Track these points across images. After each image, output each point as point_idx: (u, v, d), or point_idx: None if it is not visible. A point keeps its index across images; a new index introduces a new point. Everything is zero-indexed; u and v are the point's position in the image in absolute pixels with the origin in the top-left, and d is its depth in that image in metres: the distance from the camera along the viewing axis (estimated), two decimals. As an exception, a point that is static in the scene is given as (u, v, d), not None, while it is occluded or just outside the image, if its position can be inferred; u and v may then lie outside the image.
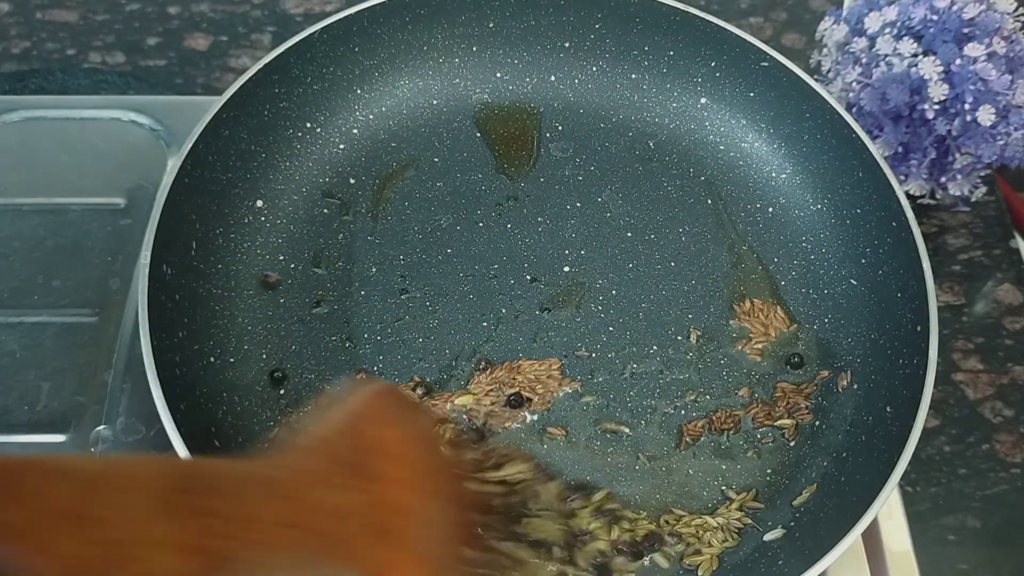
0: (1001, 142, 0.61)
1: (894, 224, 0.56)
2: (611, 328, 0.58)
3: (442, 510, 0.37)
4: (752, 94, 0.64)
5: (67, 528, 0.23)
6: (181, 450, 0.46)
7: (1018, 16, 0.63)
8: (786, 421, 0.55)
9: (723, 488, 0.53)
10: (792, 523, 0.52)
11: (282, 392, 0.55)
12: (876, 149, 0.58)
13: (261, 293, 0.58)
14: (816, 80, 0.61)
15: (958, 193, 0.66)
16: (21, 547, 0.22)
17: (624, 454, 0.54)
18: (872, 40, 0.64)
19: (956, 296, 0.66)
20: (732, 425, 0.55)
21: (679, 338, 0.58)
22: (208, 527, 0.28)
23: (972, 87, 0.60)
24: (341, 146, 0.64)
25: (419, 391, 0.55)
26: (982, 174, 0.66)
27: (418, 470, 0.36)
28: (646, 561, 0.50)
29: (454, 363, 0.56)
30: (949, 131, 0.62)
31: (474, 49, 0.67)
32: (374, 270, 0.60)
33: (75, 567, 0.23)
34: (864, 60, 0.64)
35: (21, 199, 0.65)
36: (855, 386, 0.56)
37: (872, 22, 0.63)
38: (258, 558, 0.29)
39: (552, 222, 0.62)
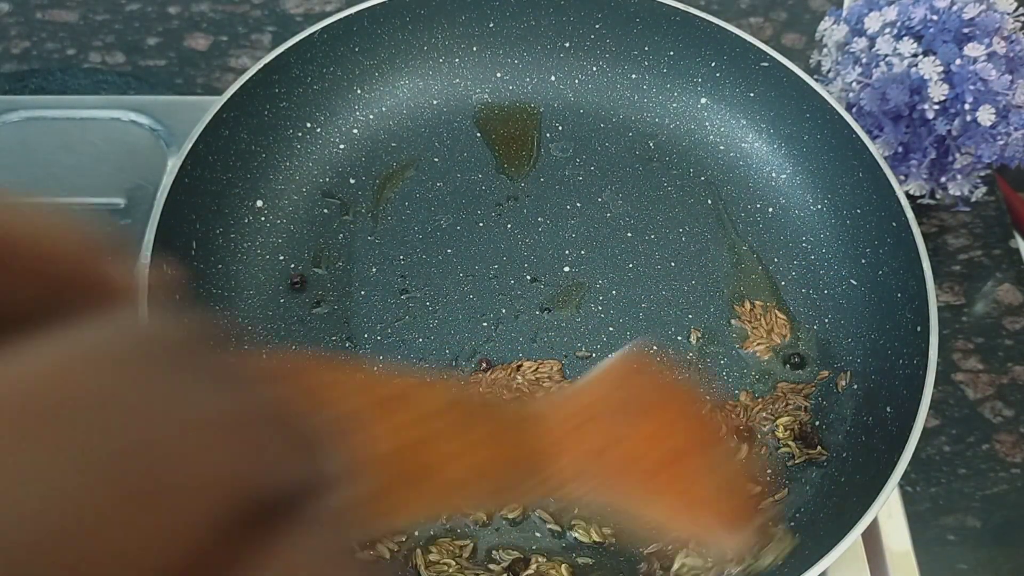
0: (1001, 142, 0.61)
1: (894, 224, 0.56)
2: (611, 328, 0.58)
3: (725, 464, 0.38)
4: (752, 94, 0.64)
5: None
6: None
7: (1018, 16, 0.63)
8: (785, 420, 0.55)
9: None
10: (792, 523, 0.52)
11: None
12: (876, 149, 0.58)
13: (262, 293, 0.58)
14: (816, 80, 0.61)
15: (958, 193, 0.66)
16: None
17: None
18: (872, 40, 0.64)
19: (956, 296, 0.66)
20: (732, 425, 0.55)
21: (679, 338, 0.58)
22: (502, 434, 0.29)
23: (972, 87, 0.60)
24: (341, 146, 0.64)
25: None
26: (982, 174, 0.66)
27: (699, 420, 0.37)
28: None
29: (454, 363, 0.56)
30: (949, 131, 0.62)
31: (474, 49, 0.67)
32: (374, 270, 0.60)
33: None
34: (864, 60, 0.64)
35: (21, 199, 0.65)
36: (855, 386, 0.56)
37: (872, 22, 0.63)
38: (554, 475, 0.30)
39: (552, 222, 0.62)
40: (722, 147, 0.65)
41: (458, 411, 0.27)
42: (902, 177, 0.65)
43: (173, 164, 0.55)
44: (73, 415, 0.10)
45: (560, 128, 0.66)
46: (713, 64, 0.65)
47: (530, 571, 0.49)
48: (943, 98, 0.61)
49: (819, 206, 0.62)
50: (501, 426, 0.29)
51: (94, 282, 0.14)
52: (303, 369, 0.23)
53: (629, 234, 0.62)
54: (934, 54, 0.61)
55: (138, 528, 0.10)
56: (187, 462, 0.11)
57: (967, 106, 0.60)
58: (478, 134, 0.66)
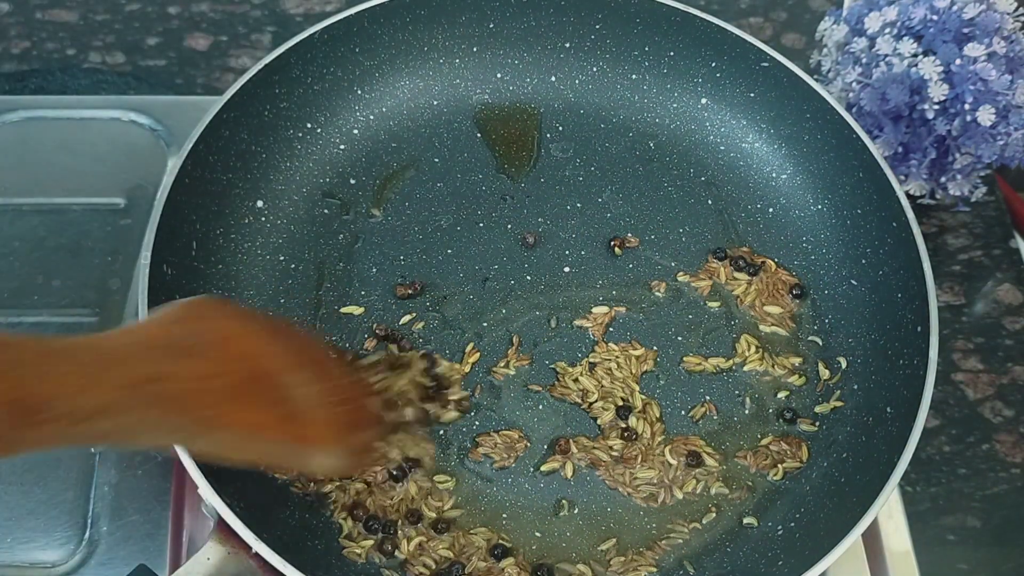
0: (1001, 142, 0.61)
1: (894, 224, 0.56)
2: (611, 329, 0.58)
3: (326, 380, 0.41)
4: (752, 94, 0.64)
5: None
6: (181, 450, 0.46)
7: (1018, 16, 0.63)
8: (786, 421, 0.55)
9: (723, 490, 0.53)
10: (792, 523, 0.52)
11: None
12: (876, 149, 0.58)
13: (262, 293, 0.58)
14: (816, 80, 0.61)
15: (958, 193, 0.66)
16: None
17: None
18: (872, 40, 0.64)
19: (956, 296, 0.66)
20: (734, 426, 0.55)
21: (679, 338, 0.58)
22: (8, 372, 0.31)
23: (972, 87, 0.60)
24: (341, 146, 0.64)
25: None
26: (982, 174, 0.66)
27: (283, 348, 0.40)
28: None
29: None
30: (949, 131, 0.62)
31: (474, 50, 0.67)
32: (374, 270, 0.60)
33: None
34: (864, 60, 0.64)
35: (21, 199, 0.65)
36: (855, 387, 0.56)
37: (872, 22, 0.63)
38: (76, 407, 0.32)
39: (552, 222, 0.62)
40: (722, 147, 0.65)
41: None
42: (902, 177, 0.65)
43: (173, 164, 0.55)
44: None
45: (560, 128, 0.66)
46: (713, 64, 0.65)
47: None
48: (943, 98, 0.61)
49: (819, 206, 0.62)
50: (9, 363, 0.31)
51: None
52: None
53: (630, 235, 0.62)
54: (934, 54, 0.61)
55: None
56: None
57: (967, 106, 0.60)
58: (478, 134, 0.66)
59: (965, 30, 0.61)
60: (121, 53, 0.76)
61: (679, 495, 0.52)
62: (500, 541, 0.51)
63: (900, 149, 0.64)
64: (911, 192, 0.66)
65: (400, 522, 0.51)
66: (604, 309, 0.58)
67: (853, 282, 0.59)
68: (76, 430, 0.33)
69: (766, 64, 0.62)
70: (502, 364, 0.56)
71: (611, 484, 0.53)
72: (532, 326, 0.58)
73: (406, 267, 0.60)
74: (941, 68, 0.60)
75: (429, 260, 0.60)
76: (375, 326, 0.57)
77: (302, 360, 0.42)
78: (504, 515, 0.52)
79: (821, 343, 0.58)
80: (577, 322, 0.58)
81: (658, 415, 0.55)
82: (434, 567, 0.50)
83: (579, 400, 0.55)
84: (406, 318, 0.58)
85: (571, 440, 0.54)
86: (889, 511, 0.56)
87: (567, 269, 0.60)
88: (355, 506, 0.51)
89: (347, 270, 0.60)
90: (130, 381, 0.34)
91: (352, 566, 0.50)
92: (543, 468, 0.53)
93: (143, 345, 0.36)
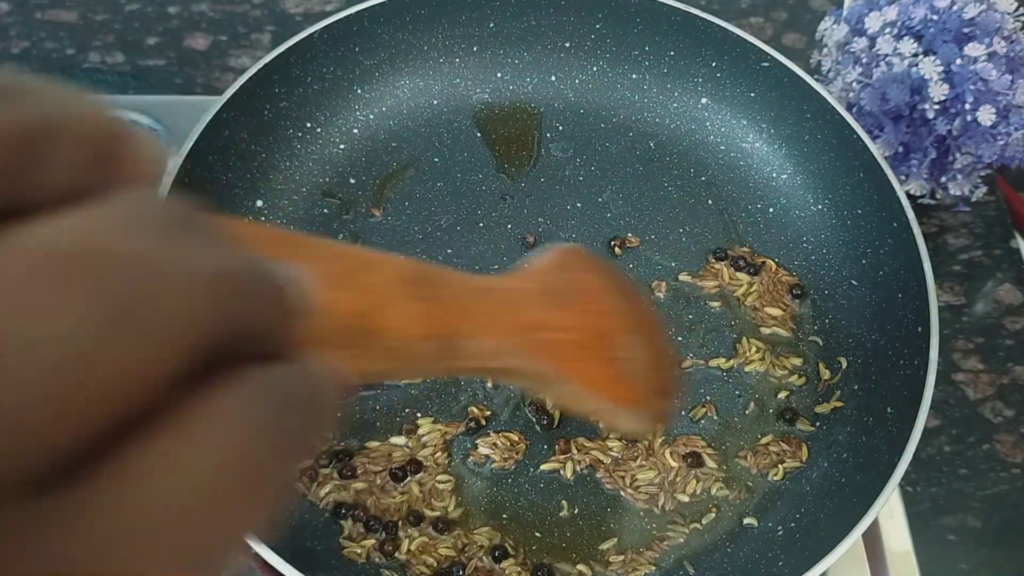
0: (1001, 142, 0.61)
1: (895, 224, 0.56)
2: (611, 328, 0.58)
3: (649, 346, 0.42)
4: (753, 94, 0.64)
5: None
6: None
7: (1018, 16, 0.63)
8: (786, 422, 0.55)
9: (724, 491, 0.53)
10: (792, 524, 0.52)
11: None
12: (877, 149, 0.57)
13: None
14: (816, 80, 0.61)
15: (958, 193, 0.66)
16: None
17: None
18: (872, 40, 0.64)
19: (956, 296, 0.66)
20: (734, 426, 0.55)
21: (679, 338, 0.58)
22: (437, 305, 0.32)
23: (972, 87, 0.60)
24: (341, 146, 0.64)
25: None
26: (982, 174, 0.66)
27: (625, 309, 0.42)
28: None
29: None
30: (949, 131, 0.62)
31: (474, 49, 0.67)
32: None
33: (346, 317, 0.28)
34: (864, 60, 0.64)
35: (21, 199, 0.65)
36: (856, 387, 0.56)
37: (872, 22, 0.63)
38: (480, 347, 0.34)
39: (552, 222, 0.62)
40: (723, 147, 0.65)
41: (402, 283, 0.31)
42: (902, 177, 0.65)
43: (172, 164, 0.55)
44: (95, 264, 0.13)
45: (560, 128, 0.66)
46: (714, 64, 0.64)
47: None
48: (943, 98, 0.60)
49: (820, 206, 0.62)
50: (440, 299, 0.33)
51: (121, 164, 0.16)
52: (279, 239, 0.27)
53: (630, 235, 0.62)
54: (934, 54, 0.61)
55: (125, 351, 0.13)
56: (176, 301, 0.14)
57: (967, 106, 0.60)
58: (478, 134, 0.66)
59: (965, 30, 0.61)
60: (120, 53, 0.76)
61: (682, 498, 0.52)
62: (501, 541, 0.51)
63: (900, 149, 0.64)
64: (911, 192, 0.66)
65: (400, 522, 0.51)
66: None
67: (853, 282, 0.59)
68: (477, 366, 0.35)
69: (766, 64, 0.62)
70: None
71: (611, 485, 0.53)
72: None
73: (406, 267, 0.60)
74: (941, 68, 0.60)
75: (429, 260, 0.60)
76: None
77: (639, 325, 0.43)
78: (504, 515, 0.52)
79: (821, 343, 0.58)
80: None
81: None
82: (435, 566, 0.50)
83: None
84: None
85: (571, 441, 0.54)
86: (889, 511, 0.56)
87: (567, 269, 0.60)
88: (355, 506, 0.51)
89: (347, 270, 0.59)
90: (520, 326, 0.36)
91: (352, 566, 0.50)
92: (543, 468, 0.53)
93: (528, 292, 0.39)
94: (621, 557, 0.50)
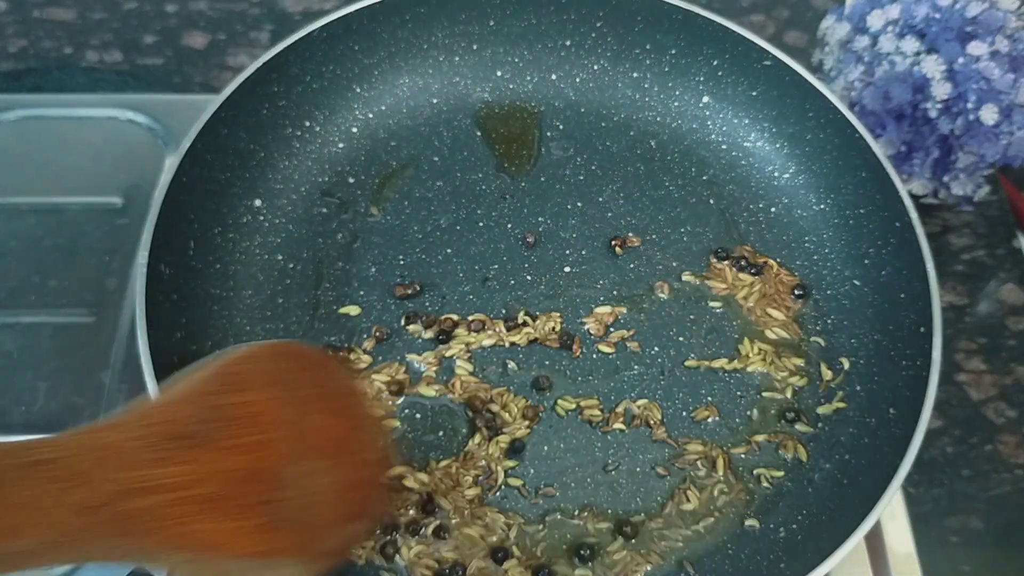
0: (1004, 141, 0.61)
1: (897, 224, 0.56)
2: (612, 329, 0.58)
3: (334, 469, 0.37)
4: (754, 93, 0.64)
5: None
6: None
7: (1021, 14, 0.62)
8: (788, 423, 0.55)
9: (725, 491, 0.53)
10: (794, 525, 0.51)
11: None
12: (879, 148, 0.57)
13: (260, 293, 0.58)
14: (818, 79, 0.60)
15: (961, 192, 0.66)
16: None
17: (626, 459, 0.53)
18: (874, 38, 0.63)
19: (959, 296, 0.66)
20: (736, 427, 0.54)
21: (681, 339, 0.58)
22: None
23: (975, 86, 0.60)
24: (340, 145, 0.64)
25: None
26: (985, 173, 0.66)
27: (301, 431, 0.36)
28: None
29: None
30: (952, 130, 0.61)
31: (474, 47, 0.66)
32: (374, 270, 0.59)
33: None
34: (866, 58, 0.64)
35: (18, 198, 0.65)
36: (858, 387, 0.56)
37: (874, 20, 0.63)
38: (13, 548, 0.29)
39: (553, 222, 0.62)
40: (724, 146, 0.65)
41: None
42: (905, 176, 0.65)
43: (171, 163, 0.55)
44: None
45: (561, 127, 0.66)
46: (715, 63, 0.64)
47: None
48: (946, 97, 0.60)
49: (822, 206, 0.62)
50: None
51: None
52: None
53: (631, 234, 0.61)
54: (937, 52, 0.61)
55: None
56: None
57: (970, 105, 0.60)
58: (478, 133, 0.65)
59: (968, 28, 0.61)
60: (118, 51, 0.76)
61: (688, 505, 0.52)
62: (502, 543, 0.50)
63: (903, 148, 0.64)
64: (914, 192, 0.65)
65: (401, 531, 0.50)
66: (606, 309, 0.58)
67: (856, 282, 0.59)
68: (32, 563, 0.29)
69: (768, 62, 0.62)
70: (502, 365, 0.56)
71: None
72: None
73: (405, 267, 0.59)
74: (944, 67, 0.60)
75: (428, 260, 0.60)
76: (375, 328, 0.57)
77: (321, 446, 0.37)
78: (505, 517, 0.51)
79: (824, 344, 0.58)
80: (578, 322, 0.58)
81: (659, 418, 0.54)
82: (436, 567, 0.49)
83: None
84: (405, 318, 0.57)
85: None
86: (892, 513, 0.56)
87: (568, 269, 0.60)
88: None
89: (346, 270, 0.59)
90: (92, 504, 0.30)
91: (352, 566, 0.50)
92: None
93: (126, 447, 0.32)
94: (621, 557, 0.50)
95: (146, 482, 0.31)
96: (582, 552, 0.50)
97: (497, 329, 0.57)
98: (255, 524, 0.33)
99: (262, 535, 0.33)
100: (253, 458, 0.34)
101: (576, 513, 0.52)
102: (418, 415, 0.54)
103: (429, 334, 0.57)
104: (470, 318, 0.57)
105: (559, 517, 0.51)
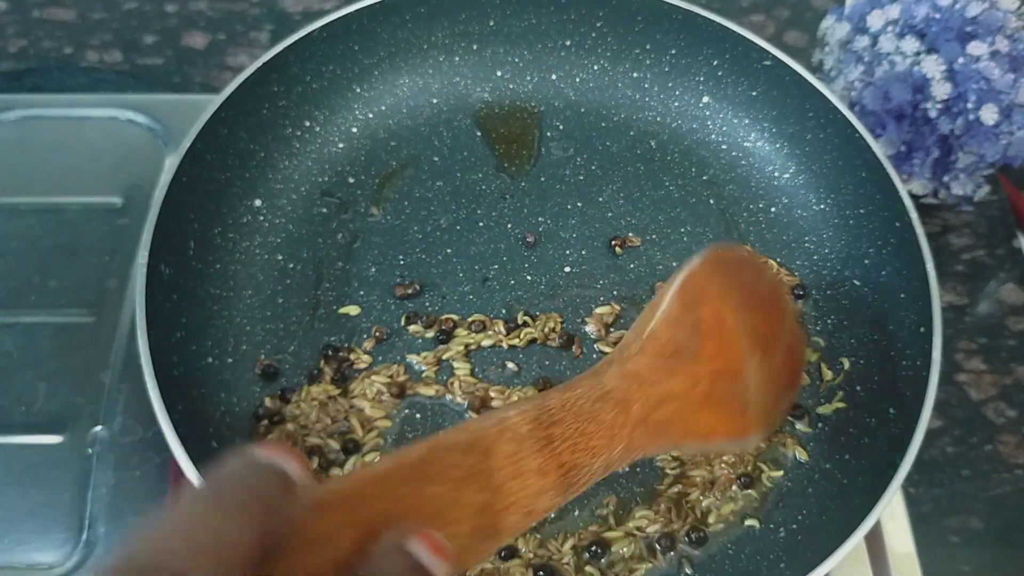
0: (1004, 141, 0.61)
1: (897, 224, 0.56)
2: (612, 329, 0.58)
3: (770, 361, 0.43)
4: (754, 93, 0.64)
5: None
6: (178, 451, 0.45)
7: (1021, 14, 0.62)
8: (788, 423, 0.55)
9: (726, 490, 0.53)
10: (794, 525, 0.51)
11: (280, 392, 0.54)
12: (879, 148, 0.57)
13: (260, 293, 0.58)
14: (818, 79, 0.60)
15: (961, 192, 0.66)
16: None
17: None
18: (874, 38, 0.63)
19: (959, 296, 0.66)
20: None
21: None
22: (554, 450, 0.35)
23: (975, 86, 0.60)
24: (340, 145, 0.64)
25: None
26: (985, 173, 0.66)
27: (747, 328, 0.42)
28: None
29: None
30: (952, 130, 0.61)
31: (474, 47, 0.66)
32: (374, 270, 0.59)
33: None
34: (866, 58, 0.64)
35: (18, 198, 0.65)
36: (858, 387, 0.56)
37: (874, 20, 0.63)
38: (597, 462, 0.37)
39: (553, 222, 0.62)
40: (724, 146, 0.65)
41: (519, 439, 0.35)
42: (905, 176, 0.65)
43: (171, 163, 0.55)
44: None
45: (561, 127, 0.66)
46: (715, 63, 0.64)
47: None
48: (946, 97, 0.60)
49: (822, 206, 0.62)
50: (551, 443, 0.36)
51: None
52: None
53: (631, 234, 0.61)
54: (937, 52, 0.61)
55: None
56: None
57: (970, 105, 0.60)
58: (478, 133, 0.65)
59: (968, 28, 0.61)
60: (118, 51, 0.76)
61: (688, 504, 0.52)
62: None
63: (903, 148, 0.64)
64: (914, 191, 0.65)
65: None
66: (606, 309, 0.58)
67: (856, 282, 0.59)
68: (597, 479, 0.38)
69: (768, 62, 0.62)
70: (502, 365, 0.56)
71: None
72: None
73: (405, 267, 0.59)
74: (944, 67, 0.60)
75: (428, 260, 0.60)
76: (375, 328, 0.57)
77: (764, 339, 0.43)
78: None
79: (823, 344, 0.58)
80: (578, 322, 0.58)
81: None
82: None
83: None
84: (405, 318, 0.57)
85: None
86: (892, 513, 0.56)
87: (568, 269, 0.60)
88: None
89: (346, 270, 0.59)
90: (632, 423, 0.38)
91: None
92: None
93: (639, 374, 0.39)
94: (621, 554, 0.50)
95: (665, 394, 0.39)
96: (592, 549, 0.50)
97: (497, 329, 0.57)
98: (735, 411, 0.41)
99: (740, 419, 0.42)
100: (724, 360, 0.41)
101: (577, 513, 0.52)
102: (418, 415, 0.54)
103: (429, 334, 0.57)
104: (470, 318, 0.57)
105: (562, 515, 0.51)
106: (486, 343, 0.56)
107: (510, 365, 0.56)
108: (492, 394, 0.54)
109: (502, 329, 0.57)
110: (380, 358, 0.56)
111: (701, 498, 0.52)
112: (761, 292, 0.46)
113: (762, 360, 0.43)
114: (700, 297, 0.42)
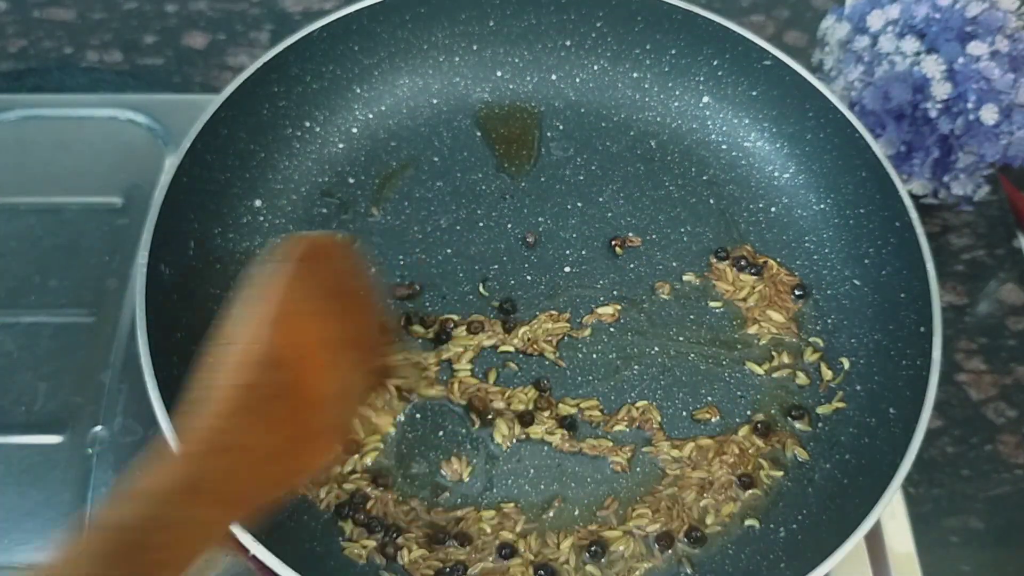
0: (1004, 141, 0.61)
1: (897, 224, 0.56)
2: (612, 329, 0.58)
3: (349, 379, 0.41)
4: (755, 93, 0.64)
5: None
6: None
7: (1021, 14, 0.62)
8: (788, 422, 0.55)
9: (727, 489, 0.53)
10: (794, 525, 0.51)
11: (281, 393, 0.54)
12: (879, 148, 0.57)
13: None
14: (818, 79, 0.60)
15: (961, 192, 0.66)
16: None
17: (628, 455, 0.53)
18: (874, 38, 0.63)
19: (959, 296, 0.66)
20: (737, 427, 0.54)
21: (681, 339, 0.57)
22: (137, 565, 0.31)
23: (975, 86, 0.60)
24: (340, 145, 0.64)
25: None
26: (985, 173, 0.66)
27: (329, 361, 0.39)
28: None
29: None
30: (952, 130, 0.61)
31: (474, 48, 0.66)
32: (373, 270, 0.59)
33: None
34: (866, 58, 0.64)
35: (18, 198, 0.65)
36: (858, 387, 0.56)
37: (874, 20, 0.63)
38: (187, 558, 0.32)
39: (553, 222, 0.62)
40: (724, 146, 0.65)
41: None
42: (905, 176, 0.65)
43: (171, 163, 0.55)
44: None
45: (561, 127, 0.66)
46: (715, 63, 0.64)
47: None
48: (946, 97, 0.60)
49: (822, 206, 0.62)
50: None
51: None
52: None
53: (631, 234, 0.61)
54: (937, 52, 0.61)
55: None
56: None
57: (970, 105, 0.60)
58: (478, 133, 0.65)
59: (968, 28, 0.61)
60: (118, 51, 0.76)
61: (689, 504, 0.52)
62: (507, 541, 0.50)
63: (903, 148, 0.64)
64: (914, 191, 0.65)
65: (403, 532, 0.50)
66: (607, 310, 0.58)
67: (856, 282, 0.59)
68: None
69: (768, 62, 0.62)
70: (502, 365, 0.56)
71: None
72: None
73: (405, 267, 0.59)
74: (944, 67, 0.60)
75: (428, 260, 0.60)
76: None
77: (348, 327, 0.41)
78: (507, 515, 0.51)
79: (823, 344, 0.58)
80: (578, 322, 0.58)
81: (659, 421, 0.54)
82: (439, 566, 0.49)
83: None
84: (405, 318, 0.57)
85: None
86: (892, 512, 0.56)
87: (568, 269, 0.60)
88: (356, 508, 0.51)
89: (346, 270, 0.59)
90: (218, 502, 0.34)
91: (352, 567, 0.50)
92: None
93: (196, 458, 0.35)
94: (621, 554, 0.50)
95: (243, 458, 0.36)
96: (592, 549, 0.50)
97: (496, 329, 0.57)
98: (319, 434, 0.38)
99: (326, 439, 0.39)
100: (307, 385, 0.38)
101: (577, 512, 0.52)
102: (418, 415, 0.54)
103: (429, 334, 0.57)
104: (470, 319, 0.57)
105: (562, 513, 0.51)
106: (486, 343, 0.56)
107: (511, 365, 0.56)
108: (492, 396, 0.54)
109: (500, 329, 0.57)
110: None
111: (700, 498, 0.52)
112: (342, 281, 0.42)
113: (344, 358, 0.39)
114: (288, 319, 0.37)
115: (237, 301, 0.39)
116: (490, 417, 0.54)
